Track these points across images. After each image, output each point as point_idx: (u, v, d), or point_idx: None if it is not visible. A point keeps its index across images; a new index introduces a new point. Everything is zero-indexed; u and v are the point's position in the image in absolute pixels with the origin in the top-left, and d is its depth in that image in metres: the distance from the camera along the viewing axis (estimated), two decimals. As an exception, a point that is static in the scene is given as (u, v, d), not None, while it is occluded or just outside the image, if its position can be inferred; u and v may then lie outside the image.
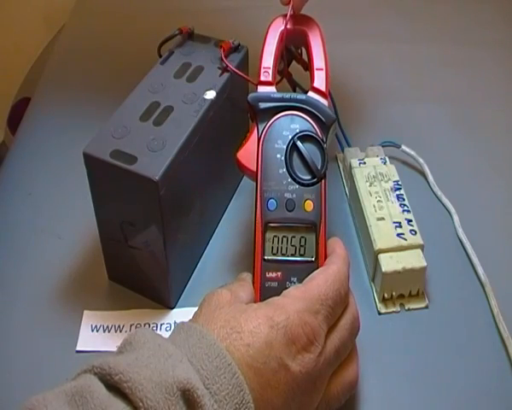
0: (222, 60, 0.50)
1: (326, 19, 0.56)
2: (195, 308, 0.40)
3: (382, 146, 0.58)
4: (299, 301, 0.39)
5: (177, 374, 0.32)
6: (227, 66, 0.50)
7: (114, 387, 0.32)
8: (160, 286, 0.48)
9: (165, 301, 0.49)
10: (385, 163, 0.56)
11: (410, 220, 0.50)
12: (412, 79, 0.72)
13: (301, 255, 0.43)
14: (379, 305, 0.50)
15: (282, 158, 0.44)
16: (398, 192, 0.53)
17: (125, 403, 0.31)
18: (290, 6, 0.49)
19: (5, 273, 0.53)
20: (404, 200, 0.52)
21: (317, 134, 0.45)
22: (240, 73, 0.50)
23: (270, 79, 0.48)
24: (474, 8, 0.83)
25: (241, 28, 0.64)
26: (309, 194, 0.43)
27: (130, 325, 0.48)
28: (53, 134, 0.66)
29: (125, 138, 0.44)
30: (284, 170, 0.44)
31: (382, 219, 0.51)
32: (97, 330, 0.48)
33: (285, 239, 0.43)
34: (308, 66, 0.50)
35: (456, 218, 0.55)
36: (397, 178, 0.54)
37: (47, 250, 0.54)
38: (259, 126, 0.45)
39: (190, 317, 0.40)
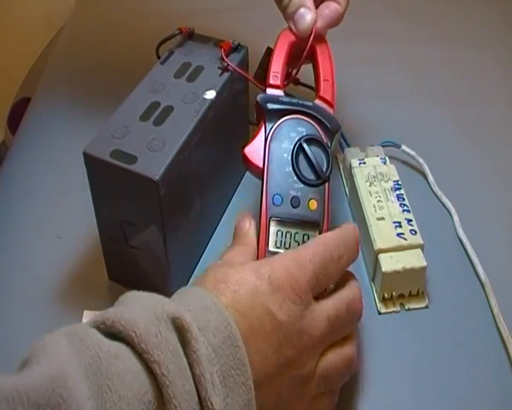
0: (223, 59, 0.50)
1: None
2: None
3: (382, 146, 0.58)
4: (287, 257, 0.40)
5: (166, 307, 0.33)
6: (228, 65, 0.50)
7: (108, 332, 0.32)
8: (160, 286, 0.48)
9: (165, 301, 0.49)
10: (385, 163, 0.56)
11: (410, 220, 0.50)
12: (412, 79, 0.72)
13: None
14: (379, 305, 0.50)
15: (289, 158, 0.45)
16: (398, 192, 0.53)
17: (119, 341, 0.32)
18: (312, 35, 0.50)
19: (5, 273, 0.53)
20: (404, 200, 0.52)
21: (322, 139, 0.46)
22: (241, 71, 0.51)
23: (278, 82, 0.49)
24: (474, 8, 0.83)
25: (241, 28, 0.63)
26: (313, 194, 0.44)
27: (130, 325, 0.48)
28: (53, 134, 0.66)
29: (125, 138, 0.44)
30: (290, 168, 0.45)
31: (382, 218, 0.51)
32: (97, 330, 0.48)
33: (289, 234, 0.44)
34: (314, 76, 0.51)
35: (456, 218, 0.55)
36: (397, 178, 0.54)
37: (47, 250, 0.54)
38: (267, 126, 0.46)
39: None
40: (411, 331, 0.48)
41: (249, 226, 0.44)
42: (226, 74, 0.50)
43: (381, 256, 0.49)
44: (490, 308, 0.49)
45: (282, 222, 0.44)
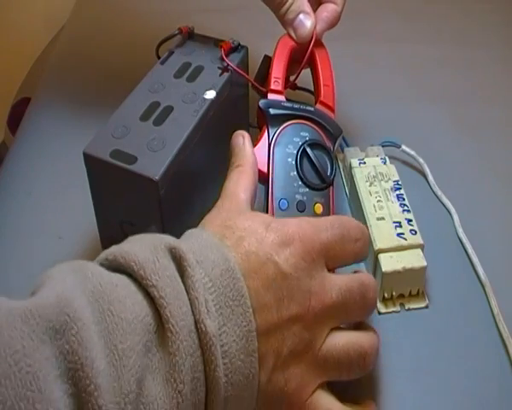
0: (223, 59, 0.50)
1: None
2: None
3: (382, 146, 0.58)
4: (302, 219, 0.39)
5: (165, 240, 0.35)
6: (228, 65, 0.50)
7: (110, 267, 0.34)
8: (160, 286, 0.48)
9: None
10: (385, 163, 0.56)
11: (410, 220, 0.50)
12: (412, 79, 0.72)
13: None
14: (379, 305, 0.50)
15: (293, 162, 0.46)
16: (398, 192, 0.53)
17: (120, 273, 0.34)
18: (313, 39, 0.51)
19: (5, 273, 0.53)
20: (404, 200, 0.52)
21: (325, 143, 0.47)
22: (241, 71, 0.51)
23: (279, 87, 0.49)
24: (474, 8, 0.83)
25: (241, 28, 0.63)
26: (319, 197, 0.45)
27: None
28: (53, 134, 0.66)
29: (125, 138, 0.45)
30: (295, 173, 0.45)
31: (382, 218, 0.51)
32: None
33: None
34: (314, 81, 0.52)
35: (456, 218, 0.55)
36: (397, 178, 0.54)
37: (47, 250, 0.54)
38: (270, 131, 0.47)
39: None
40: (411, 331, 0.48)
41: (244, 141, 0.45)
42: (226, 74, 0.50)
43: (381, 256, 0.49)
44: (490, 308, 0.49)
45: None
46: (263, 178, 0.46)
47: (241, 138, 0.45)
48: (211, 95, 0.48)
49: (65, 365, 0.28)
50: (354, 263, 0.41)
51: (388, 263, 0.48)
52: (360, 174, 0.54)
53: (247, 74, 0.52)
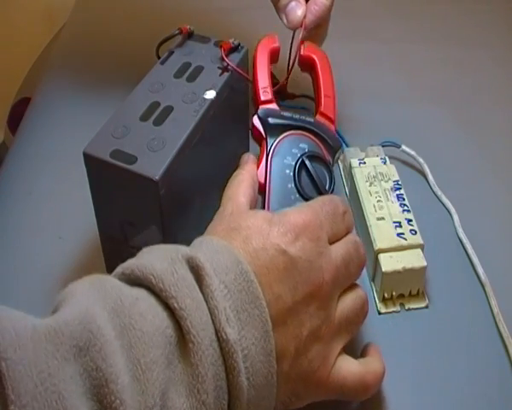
0: (223, 59, 0.50)
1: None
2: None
3: (382, 146, 0.58)
4: (299, 206, 0.41)
5: (181, 250, 0.35)
6: (228, 64, 0.50)
7: (128, 281, 0.34)
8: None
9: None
10: (385, 163, 0.56)
11: (410, 220, 0.50)
12: (412, 79, 0.72)
13: None
14: (379, 305, 0.50)
15: (291, 174, 0.45)
16: (398, 192, 0.53)
17: (138, 287, 0.34)
18: (302, 29, 0.52)
19: (5, 273, 0.53)
20: (404, 200, 0.52)
21: (324, 156, 0.46)
22: (241, 71, 0.51)
23: (269, 97, 0.49)
24: (474, 8, 0.83)
25: (241, 28, 0.64)
26: None
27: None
28: (53, 134, 0.66)
29: (125, 138, 0.44)
30: (292, 185, 0.45)
31: (382, 218, 0.51)
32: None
33: None
34: (314, 90, 0.52)
35: (456, 218, 0.55)
36: (397, 178, 0.54)
37: (47, 250, 0.54)
38: (268, 141, 0.46)
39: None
40: (411, 331, 0.48)
41: (248, 157, 0.46)
42: (226, 74, 0.50)
43: (381, 256, 0.49)
44: (490, 308, 0.49)
45: None
46: (261, 189, 0.45)
47: (246, 156, 0.47)
48: (211, 95, 0.48)
49: (89, 382, 0.29)
50: (347, 234, 0.42)
51: (388, 263, 0.48)
52: (360, 174, 0.54)
53: (247, 74, 0.52)
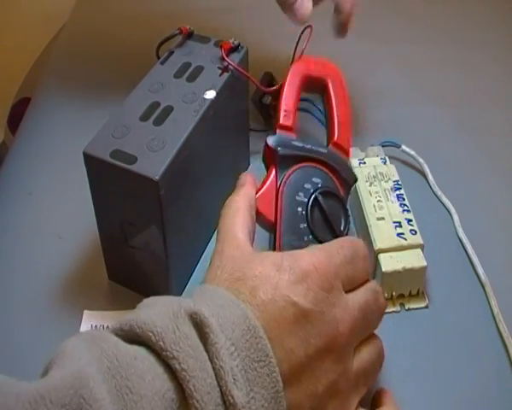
0: (223, 59, 0.50)
1: (326, 19, 0.56)
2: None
3: (382, 146, 0.58)
4: (312, 248, 0.38)
5: (184, 304, 0.32)
6: (229, 64, 0.50)
7: (126, 338, 0.32)
8: (160, 286, 0.48)
9: (165, 301, 0.49)
10: (385, 163, 0.56)
11: (410, 220, 0.50)
12: (412, 79, 0.72)
13: None
14: (379, 305, 0.50)
15: (304, 212, 0.41)
16: (398, 192, 0.53)
17: (137, 344, 0.31)
18: (310, 30, 0.48)
19: (5, 273, 0.53)
20: (404, 200, 0.52)
21: (338, 192, 0.43)
22: (242, 70, 0.50)
23: (290, 123, 0.45)
24: (473, 8, 0.83)
25: (241, 28, 0.63)
26: None
27: (131, 325, 0.48)
28: (53, 134, 0.66)
29: (124, 138, 0.44)
30: (305, 226, 0.41)
31: (382, 218, 0.51)
32: (97, 330, 0.48)
33: None
34: (326, 116, 0.48)
35: (456, 218, 0.55)
36: (397, 178, 0.54)
37: (47, 250, 0.54)
38: (279, 174, 0.43)
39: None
40: (411, 331, 0.48)
41: (245, 179, 0.43)
42: (226, 74, 0.50)
43: (381, 256, 0.49)
44: (490, 308, 0.49)
45: None
46: (269, 227, 0.42)
47: (243, 177, 0.44)
48: (211, 95, 0.48)
49: None
50: (366, 281, 0.40)
51: (388, 263, 0.48)
52: (360, 174, 0.54)
53: (248, 74, 0.52)
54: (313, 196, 0.42)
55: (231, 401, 0.30)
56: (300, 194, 0.42)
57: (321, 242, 0.41)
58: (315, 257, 0.36)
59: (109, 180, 0.44)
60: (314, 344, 0.34)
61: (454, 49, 0.76)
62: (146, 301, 0.35)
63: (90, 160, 0.44)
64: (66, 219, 0.56)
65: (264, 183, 0.43)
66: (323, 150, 0.44)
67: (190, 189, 0.48)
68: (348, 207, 0.43)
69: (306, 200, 0.42)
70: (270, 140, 0.44)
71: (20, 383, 0.28)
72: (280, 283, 0.35)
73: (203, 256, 0.53)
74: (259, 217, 0.42)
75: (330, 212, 0.41)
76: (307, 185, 0.42)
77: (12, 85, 1.01)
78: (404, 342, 0.48)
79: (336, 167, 0.43)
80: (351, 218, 0.42)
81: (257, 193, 0.43)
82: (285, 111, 0.45)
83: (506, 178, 0.60)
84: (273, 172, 0.43)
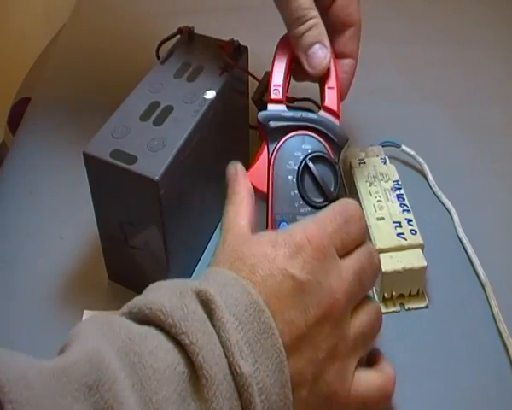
0: (223, 59, 0.50)
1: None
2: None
3: (382, 146, 0.58)
4: (305, 221, 0.39)
5: (189, 284, 0.34)
6: (230, 63, 0.50)
7: (136, 320, 0.33)
8: (160, 286, 0.48)
9: (165, 300, 0.49)
10: (385, 163, 0.56)
11: (410, 220, 0.50)
12: (412, 78, 0.72)
13: None
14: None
15: (294, 180, 0.43)
16: (398, 192, 0.53)
17: (147, 325, 0.33)
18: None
19: (5, 273, 0.53)
20: (404, 200, 0.52)
21: (329, 155, 0.44)
22: (242, 69, 0.50)
23: (280, 96, 0.46)
24: (473, 8, 0.83)
25: (241, 28, 0.63)
26: None
27: (131, 325, 0.48)
28: (53, 134, 0.66)
29: (125, 138, 0.45)
30: (296, 192, 0.42)
31: (382, 218, 0.51)
32: (97, 330, 0.48)
33: None
34: (319, 84, 0.48)
35: (456, 218, 0.55)
36: (397, 177, 0.54)
37: (47, 250, 0.54)
38: (270, 146, 0.44)
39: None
40: (411, 331, 0.48)
41: (236, 171, 0.43)
42: (226, 74, 0.50)
43: (381, 256, 0.48)
44: (490, 308, 0.49)
45: None
46: (263, 198, 0.43)
47: (234, 169, 0.44)
48: (211, 95, 0.48)
49: None
50: (361, 243, 0.40)
51: (388, 263, 0.48)
52: (360, 174, 0.54)
53: (248, 73, 0.52)
54: (303, 162, 0.43)
55: (238, 371, 0.32)
56: (291, 162, 0.43)
57: (312, 206, 0.42)
58: (308, 230, 0.37)
59: (109, 180, 0.44)
60: (313, 314, 0.36)
61: (454, 49, 0.76)
62: (151, 285, 0.36)
63: (90, 160, 0.44)
64: (66, 219, 0.56)
65: (257, 158, 0.44)
66: (313, 116, 0.45)
67: (190, 189, 0.48)
68: (339, 168, 0.44)
69: (296, 167, 0.43)
70: (261, 116, 0.45)
71: (39, 360, 0.29)
72: (277, 258, 0.36)
73: (203, 256, 0.53)
74: (254, 190, 0.43)
75: (320, 175, 0.43)
76: (297, 153, 0.44)
77: (12, 85, 1.01)
78: (404, 342, 0.48)
79: (326, 132, 0.44)
80: (342, 179, 0.43)
81: (250, 168, 0.44)
82: (274, 85, 0.46)
83: (506, 178, 0.60)
84: (265, 146, 0.44)
